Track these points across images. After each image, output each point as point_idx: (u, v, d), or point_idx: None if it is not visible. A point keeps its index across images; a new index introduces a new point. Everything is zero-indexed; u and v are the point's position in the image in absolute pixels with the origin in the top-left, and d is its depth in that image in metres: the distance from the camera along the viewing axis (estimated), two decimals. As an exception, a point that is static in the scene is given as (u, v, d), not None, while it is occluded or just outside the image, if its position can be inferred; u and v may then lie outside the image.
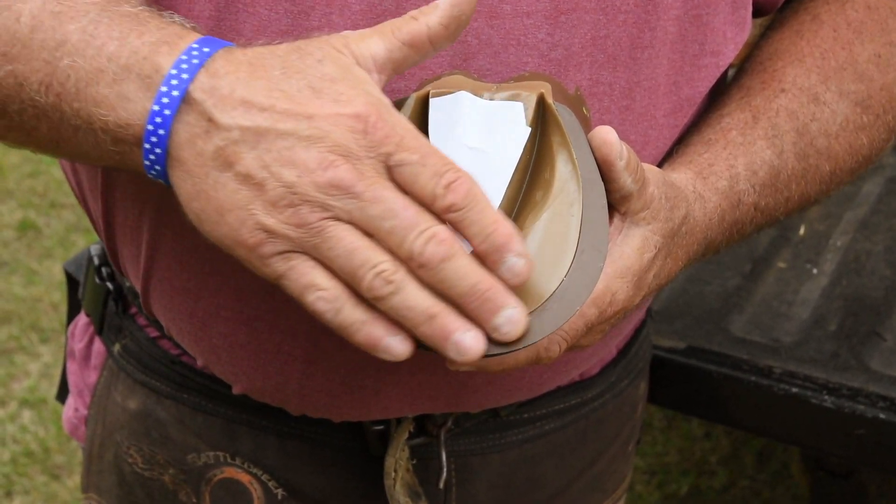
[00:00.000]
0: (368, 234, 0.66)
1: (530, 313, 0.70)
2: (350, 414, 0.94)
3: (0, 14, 0.73)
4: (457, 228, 0.67)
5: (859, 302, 1.54)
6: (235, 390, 0.96)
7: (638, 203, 0.78)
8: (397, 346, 0.67)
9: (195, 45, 0.69)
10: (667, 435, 2.57)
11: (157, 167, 0.70)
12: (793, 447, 2.14)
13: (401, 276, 0.65)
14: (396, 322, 0.67)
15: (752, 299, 1.57)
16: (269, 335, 0.89)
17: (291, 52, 0.69)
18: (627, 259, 0.79)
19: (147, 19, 0.72)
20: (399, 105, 0.75)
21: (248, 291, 0.88)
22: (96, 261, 1.07)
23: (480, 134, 0.74)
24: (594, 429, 1.09)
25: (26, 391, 2.72)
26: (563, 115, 0.76)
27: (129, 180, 0.90)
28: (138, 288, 0.95)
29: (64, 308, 2.17)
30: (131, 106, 0.69)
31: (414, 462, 0.99)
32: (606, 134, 0.76)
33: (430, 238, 0.65)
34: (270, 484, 1.01)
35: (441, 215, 0.66)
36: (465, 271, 0.66)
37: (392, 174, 0.66)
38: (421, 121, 0.75)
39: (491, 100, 0.76)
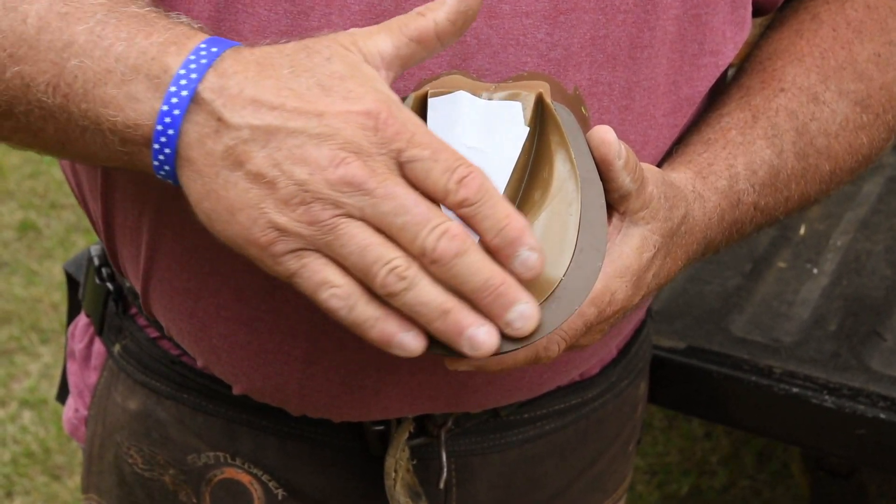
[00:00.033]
0: (380, 230, 0.66)
1: None
2: (350, 414, 0.94)
3: (6, 15, 0.73)
4: (469, 223, 0.67)
5: (859, 302, 1.54)
6: (235, 391, 0.96)
7: (637, 202, 0.78)
8: (411, 342, 0.67)
9: (203, 45, 0.69)
10: (667, 435, 2.57)
11: (167, 167, 0.70)
12: (793, 447, 2.14)
13: (414, 271, 0.65)
14: (409, 318, 0.67)
15: (753, 299, 1.57)
16: (269, 335, 0.89)
17: (299, 51, 0.69)
18: (626, 258, 0.79)
19: (154, 20, 0.72)
20: (398, 105, 0.75)
21: (248, 292, 0.88)
22: (96, 261, 1.07)
23: (479, 133, 0.74)
24: (594, 429, 1.09)
25: (26, 391, 2.72)
26: (562, 114, 0.76)
27: (129, 181, 0.90)
28: (138, 288, 0.95)
29: (64, 308, 2.17)
30: (140, 106, 0.69)
31: (414, 462, 0.99)
32: (605, 133, 0.76)
33: (442, 233, 0.65)
34: (271, 484, 1.01)
35: (453, 210, 0.66)
36: (477, 266, 0.66)
37: (403, 170, 0.66)
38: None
39: (489, 99, 0.76)
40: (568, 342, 0.78)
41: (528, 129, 0.75)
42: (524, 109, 0.75)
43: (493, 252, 0.67)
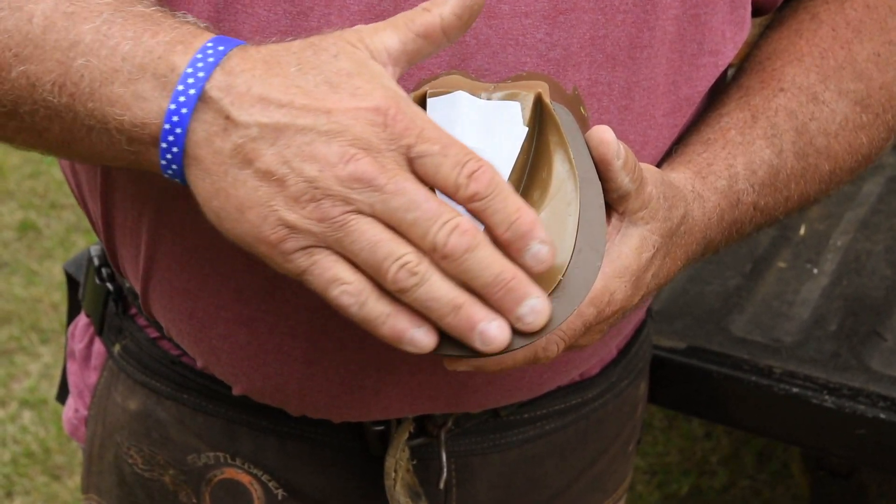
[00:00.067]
0: (391, 226, 0.66)
1: None
2: (350, 414, 0.94)
3: (12, 15, 0.73)
4: (480, 218, 0.67)
5: (860, 302, 1.54)
6: (235, 391, 0.96)
7: (636, 202, 0.78)
8: (422, 338, 0.67)
9: (210, 44, 0.69)
10: (667, 435, 2.57)
11: (174, 166, 0.70)
12: (793, 447, 2.14)
13: (424, 267, 0.65)
14: (420, 314, 0.67)
15: (753, 299, 1.57)
16: (269, 335, 0.89)
17: (306, 49, 0.69)
18: (625, 258, 0.79)
19: (161, 19, 0.72)
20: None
21: (248, 292, 0.88)
22: (96, 261, 1.07)
23: (478, 133, 0.74)
24: (595, 429, 1.09)
25: (26, 392, 2.72)
26: (561, 114, 0.76)
27: (129, 181, 0.90)
28: (138, 289, 0.95)
29: (64, 308, 2.17)
30: (147, 105, 0.69)
31: (414, 462, 0.99)
32: (603, 133, 0.76)
33: (453, 229, 0.65)
34: (271, 484, 1.01)
35: (464, 205, 0.66)
36: (488, 261, 0.66)
37: (413, 166, 0.66)
38: None
39: (488, 99, 0.76)
40: (567, 342, 0.78)
41: (526, 129, 0.75)
42: (523, 109, 0.75)
43: (503, 246, 0.67)
